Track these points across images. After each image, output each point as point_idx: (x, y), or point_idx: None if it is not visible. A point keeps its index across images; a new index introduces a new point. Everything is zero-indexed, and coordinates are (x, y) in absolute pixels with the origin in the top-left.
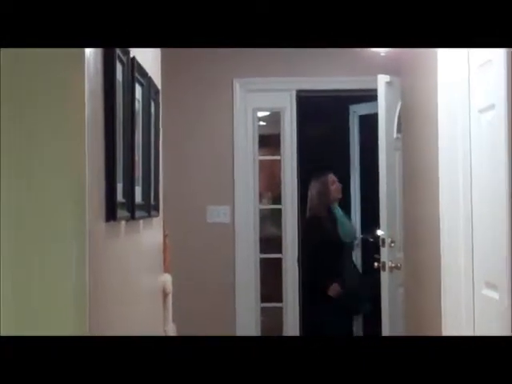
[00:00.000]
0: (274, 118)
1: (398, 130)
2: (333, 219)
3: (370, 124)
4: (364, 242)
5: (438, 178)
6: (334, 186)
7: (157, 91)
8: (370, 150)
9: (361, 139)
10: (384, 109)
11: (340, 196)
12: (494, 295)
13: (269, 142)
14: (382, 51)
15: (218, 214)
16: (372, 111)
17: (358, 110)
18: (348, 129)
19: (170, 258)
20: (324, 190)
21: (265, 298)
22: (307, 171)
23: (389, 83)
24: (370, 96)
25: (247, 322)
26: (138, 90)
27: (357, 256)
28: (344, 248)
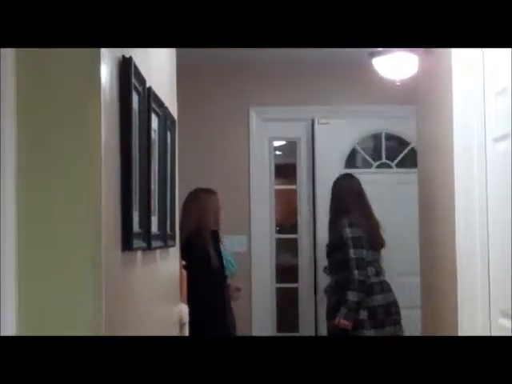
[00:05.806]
0: (290, 148)
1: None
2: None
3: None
4: None
5: (453, 208)
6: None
7: (173, 121)
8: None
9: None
10: None
11: None
12: (510, 325)
13: (285, 171)
14: (397, 80)
15: (234, 243)
16: None
17: None
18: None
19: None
20: None
21: (281, 327)
22: None
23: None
24: None
25: None
26: (155, 119)
27: None
28: None
